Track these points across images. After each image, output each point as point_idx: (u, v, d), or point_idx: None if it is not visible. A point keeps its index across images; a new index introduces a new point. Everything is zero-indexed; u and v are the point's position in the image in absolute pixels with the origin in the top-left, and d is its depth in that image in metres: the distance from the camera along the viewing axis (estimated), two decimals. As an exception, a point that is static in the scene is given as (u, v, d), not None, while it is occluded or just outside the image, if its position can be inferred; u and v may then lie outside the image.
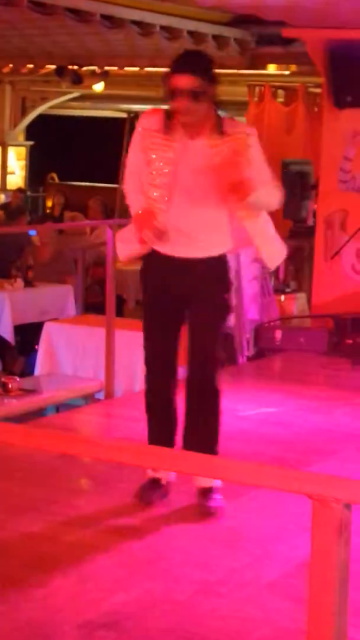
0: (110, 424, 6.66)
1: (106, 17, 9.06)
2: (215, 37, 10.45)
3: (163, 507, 4.98)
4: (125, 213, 16.70)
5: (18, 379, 7.08)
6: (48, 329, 8.26)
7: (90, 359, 7.71)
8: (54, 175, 18.41)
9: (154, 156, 4.65)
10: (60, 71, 12.60)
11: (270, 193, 4.70)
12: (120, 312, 9.34)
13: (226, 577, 4.20)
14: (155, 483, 4.97)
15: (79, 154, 18.14)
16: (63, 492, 5.15)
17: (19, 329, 9.10)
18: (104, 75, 12.87)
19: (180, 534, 4.67)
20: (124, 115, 17.08)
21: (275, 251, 4.94)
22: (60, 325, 8.50)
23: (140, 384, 7.60)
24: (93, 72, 12.76)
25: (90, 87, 13.26)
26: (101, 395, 7.46)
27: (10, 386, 6.89)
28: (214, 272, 4.81)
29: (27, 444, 2.30)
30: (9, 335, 9.02)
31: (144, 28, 9.47)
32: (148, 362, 4.91)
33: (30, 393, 6.98)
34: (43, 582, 4.05)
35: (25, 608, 3.84)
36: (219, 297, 4.84)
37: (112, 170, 17.09)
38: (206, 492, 4.86)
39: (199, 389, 4.81)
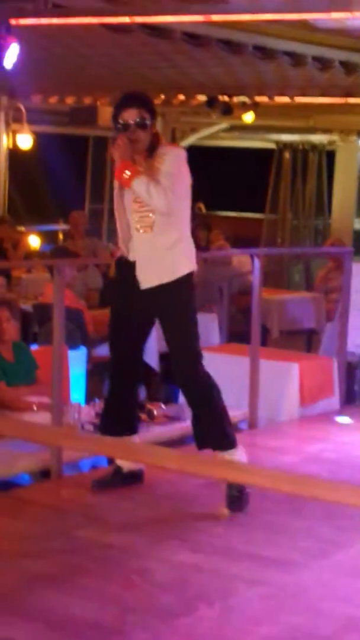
0: (255, 454, 6.60)
1: (258, 48, 9.06)
2: (367, 68, 10.35)
3: (308, 539, 4.92)
4: (270, 242, 16.45)
5: (163, 406, 7.10)
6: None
7: (233, 388, 7.67)
8: (201, 206, 18.53)
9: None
10: (211, 102, 12.66)
11: (152, 190, 5.36)
12: (264, 342, 9.30)
13: (372, 614, 4.12)
14: None
15: (227, 184, 18.18)
16: (207, 520, 5.13)
17: (165, 357, 9.13)
18: (254, 106, 12.88)
19: (325, 567, 4.60)
20: (273, 145, 17.06)
21: (149, 273, 5.48)
22: (205, 353, 8.47)
23: (284, 415, 7.56)
24: (243, 102, 12.77)
25: (239, 117, 13.27)
26: (244, 425, 7.42)
27: (155, 413, 6.94)
28: None
29: (181, 469, 2.29)
30: (155, 363, 9.07)
31: (296, 59, 9.44)
32: None
33: (174, 420, 6.99)
34: (187, 611, 4.04)
35: (169, 636, 3.82)
36: None
37: (259, 200, 17.09)
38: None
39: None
